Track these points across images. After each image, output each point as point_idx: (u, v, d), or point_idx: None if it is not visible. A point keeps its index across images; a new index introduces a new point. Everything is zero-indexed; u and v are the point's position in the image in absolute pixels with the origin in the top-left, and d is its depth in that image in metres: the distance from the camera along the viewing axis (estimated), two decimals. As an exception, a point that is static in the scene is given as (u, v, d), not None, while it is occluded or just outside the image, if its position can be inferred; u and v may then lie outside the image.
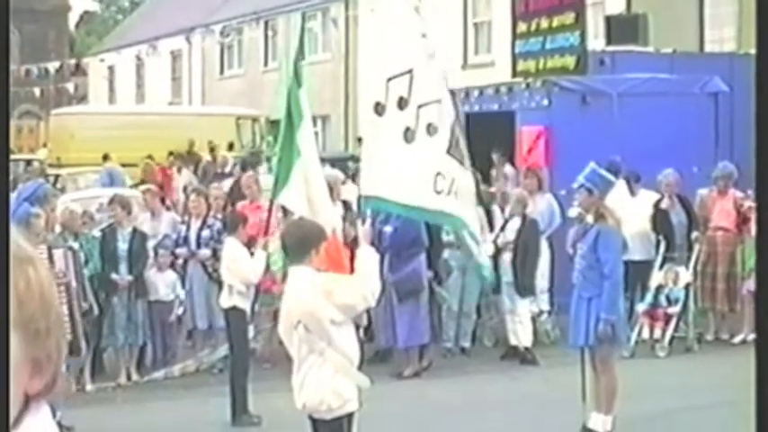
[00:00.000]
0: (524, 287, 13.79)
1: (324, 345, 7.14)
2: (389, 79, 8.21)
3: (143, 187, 17.15)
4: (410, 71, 8.24)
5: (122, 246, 13.22)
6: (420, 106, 8.25)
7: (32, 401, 1.70)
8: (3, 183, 1.75)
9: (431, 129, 8.44)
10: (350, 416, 7.36)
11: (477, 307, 14.55)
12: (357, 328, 7.78)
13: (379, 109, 8.19)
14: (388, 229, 12.82)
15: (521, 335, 13.81)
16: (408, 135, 8.21)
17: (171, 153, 26.55)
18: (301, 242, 7.41)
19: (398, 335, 13.18)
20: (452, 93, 9.52)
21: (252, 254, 11.03)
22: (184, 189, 21.20)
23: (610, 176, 10.56)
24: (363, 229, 7.95)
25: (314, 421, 7.40)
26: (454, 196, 8.56)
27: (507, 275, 13.84)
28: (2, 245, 1.63)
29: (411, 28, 8.48)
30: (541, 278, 14.35)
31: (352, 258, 8.00)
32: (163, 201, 16.67)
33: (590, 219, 10.05)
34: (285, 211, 10.86)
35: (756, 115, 2.34)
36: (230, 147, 31.40)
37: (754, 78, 2.33)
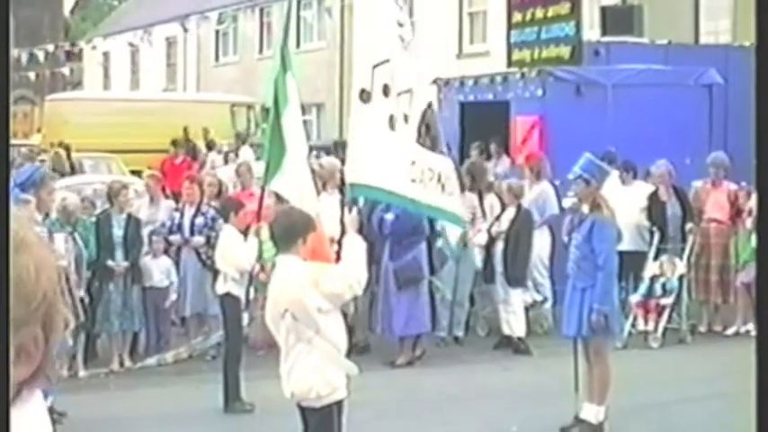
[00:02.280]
0: (515, 278, 13.78)
1: (311, 333, 7.14)
2: (375, 66, 8.23)
3: (147, 173, 17.11)
4: (388, 60, 8.27)
5: (117, 232, 13.21)
6: (399, 94, 8.29)
7: (24, 388, 1.69)
8: (3, 170, 1.74)
9: (407, 117, 8.48)
10: (339, 403, 7.37)
11: (470, 296, 14.56)
12: (345, 316, 7.78)
13: (364, 96, 8.20)
14: (389, 216, 12.81)
15: (513, 325, 13.81)
16: (392, 122, 8.24)
17: (174, 142, 26.41)
18: (289, 231, 7.41)
19: (396, 323, 13.18)
20: (437, 82, 9.53)
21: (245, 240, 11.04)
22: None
23: (606, 166, 10.59)
24: (350, 217, 7.95)
25: (302, 410, 7.40)
26: (423, 185, 8.59)
27: (500, 265, 13.85)
28: (2, 234, 1.62)
29: (388, 16, 8.51)
30: (542, 267, 14.37)
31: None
32: (164, 189, 16.57)
33: (585, 209, 10.06)
34: (278, 197, 10.85)
35: (756, 108, 2.35)
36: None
37: (755, 70, 2.34)
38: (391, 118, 8.23)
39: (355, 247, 7.57)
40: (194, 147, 27.74)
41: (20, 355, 1.66)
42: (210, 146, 28.32)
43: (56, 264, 1.76)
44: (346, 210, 8.29)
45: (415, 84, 8.67)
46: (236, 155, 26.02)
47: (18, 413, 1.67)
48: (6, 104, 1.78)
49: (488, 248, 13.98)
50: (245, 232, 11.33)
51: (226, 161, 25.04)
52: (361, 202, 11.69)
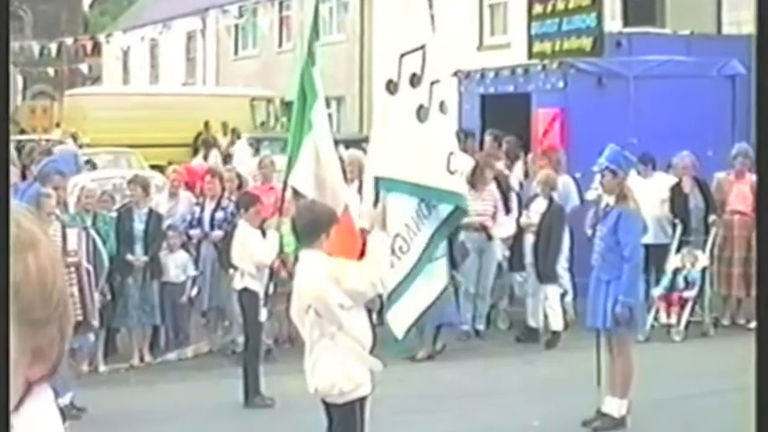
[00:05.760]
0: (545, 274, 13.66)
1: (334, 329, 7.06)
2: (402, 55, 8.03)
3: (171, 167, 17.07)
4: (423, 47, 8.07)
5: (138, 226, 13.20)
6: (433, 83, 8.09)
7: (34, 385, 1.66)
8: (3, 170, 1.68)
9: (443, 107, 8.28)
10: (362, 400, 7.30)
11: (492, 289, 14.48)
12: (370, 312, 7.69)
13: (391, 87, 8.02)
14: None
15: (551, 319, 13.72)
16: (422, 113, 8.03)
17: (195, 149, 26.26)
18: (311, 225, 7.33)
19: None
20: (458, 74, 9.26)
21: (264, 235, 10.99)
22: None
23: (631, 156, 10.51)
24: (376, 213, 7.84)
25: (326, 405, 7.35)
26: (460, 175, 8.43)
27: (529, 257, 13.77)
28: (2, 234, 1.56)
29: (422, 3, 8.33)
30: (564, 260, 14.25)
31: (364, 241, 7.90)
32: (187, 185, 16.43)
33: (611, 201, 9.98)
34: (296, 192, 10.80)
35: (757, 102, 2.27)
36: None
37: (755, 64, 2.26)
38: (420, 108, 8.01)
39: (380, 245, 7.48)
40: (215, 142, 27.68)
41: (36, 356, 1.63)
42: (233, 139, 28.34)
43: (61, 261, 1.73)
44: (371, 205, 8.18)
45: (447, 74, 8.50)
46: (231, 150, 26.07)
47: (28, 410, 1.64)
48: (6, 104, 1.73)
49: (516, 239, 13.96)
50: (261, 227, 11.28)
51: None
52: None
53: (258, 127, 32.47)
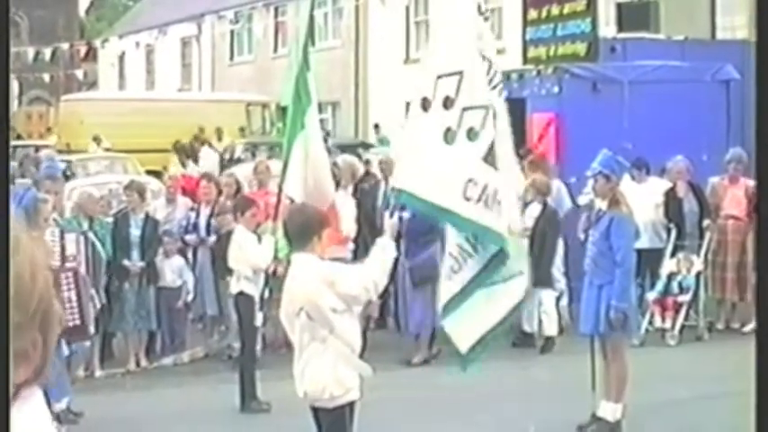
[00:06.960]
0: (539, 278, 13.66)
1: (325, 332, 7.08)
2: (440, 77, 8.14)
3: (168, 174, 17.06)
4: (461, 72, 8.18)
5: (135, 232, 13.21)
6: (465, 109, 8.19)
7: (22, 389, 1.68)
8: (2, 170, 1.71)
9: (471, 133, 8.37)
10: (351, 404, 7.32)
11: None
12: (369, 318, 7.71)
13: (425, 105, 8.13)
14: (405, 214, 12.74)
15: (546, 324, 13.76)
16: (449, 136, 8.13)
17: (175, 146, 26.24)
18: (303, 228, 7.35)
19: (412, 321, 13.15)
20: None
21: (259, 239, 11.01)
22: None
23: (624, 161, 10.55)
24: (389, 222, 7.86)
25: (315, 410, 7.35)
26: (484, 204, 8.46)
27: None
28: (2, 235, 1.59)
29: (467, 28, 8.46)
30: (560, 263, 14.26)
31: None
32: (184, 191, 16.45)
33: (603, 205, 10.01)
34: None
35: (757, 105, 2.31)
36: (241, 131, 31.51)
37: (755, 67, 2.30)
38: (448, 131, 8.12)
39: (384, 252, 7.49)
40: (190, 148, 27.63)
41: (18, 359, 1.65)
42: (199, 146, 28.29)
43: (48, 263, 1.76)
44: (386, 213, 8.22)
45: (497, 102, 8.59)
46: (196, 157, 26.05)
47: (17, 412, 1.66)
48: (6, 104, 1.75)
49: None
50: (255, 231, 11.31)
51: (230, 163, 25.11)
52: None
53: (238, 132, 32.41)
